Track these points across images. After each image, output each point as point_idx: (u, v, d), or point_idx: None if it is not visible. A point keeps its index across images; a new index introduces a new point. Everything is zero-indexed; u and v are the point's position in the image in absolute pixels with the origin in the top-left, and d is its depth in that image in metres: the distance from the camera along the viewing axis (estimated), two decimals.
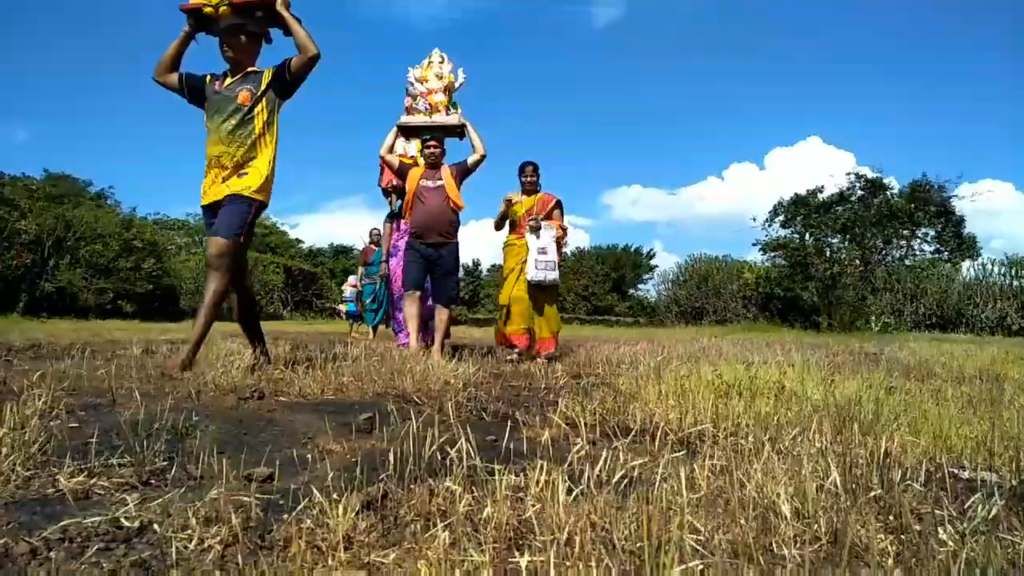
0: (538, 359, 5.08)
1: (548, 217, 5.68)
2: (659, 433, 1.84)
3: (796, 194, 21.83)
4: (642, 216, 76.84)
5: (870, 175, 21.92)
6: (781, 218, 22.07)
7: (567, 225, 5.87)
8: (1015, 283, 18.40)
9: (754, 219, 25.81)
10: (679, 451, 1.52)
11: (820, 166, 61.64)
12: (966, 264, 20.59)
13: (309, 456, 1.55)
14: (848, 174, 22.14)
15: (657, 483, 1.20)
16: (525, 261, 5.54)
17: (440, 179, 5.32)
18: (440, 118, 5.82)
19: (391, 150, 5.65)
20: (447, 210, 5.27)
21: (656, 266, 42.20)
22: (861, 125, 69.79)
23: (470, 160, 5.41)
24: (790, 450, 1.59)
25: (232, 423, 1.99)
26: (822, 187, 21.81)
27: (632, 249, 43.64)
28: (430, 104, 5.91)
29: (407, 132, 5.94)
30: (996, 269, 18.95)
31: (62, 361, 3.30)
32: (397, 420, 1.95)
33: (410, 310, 5.41)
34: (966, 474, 1.59)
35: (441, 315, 5.26)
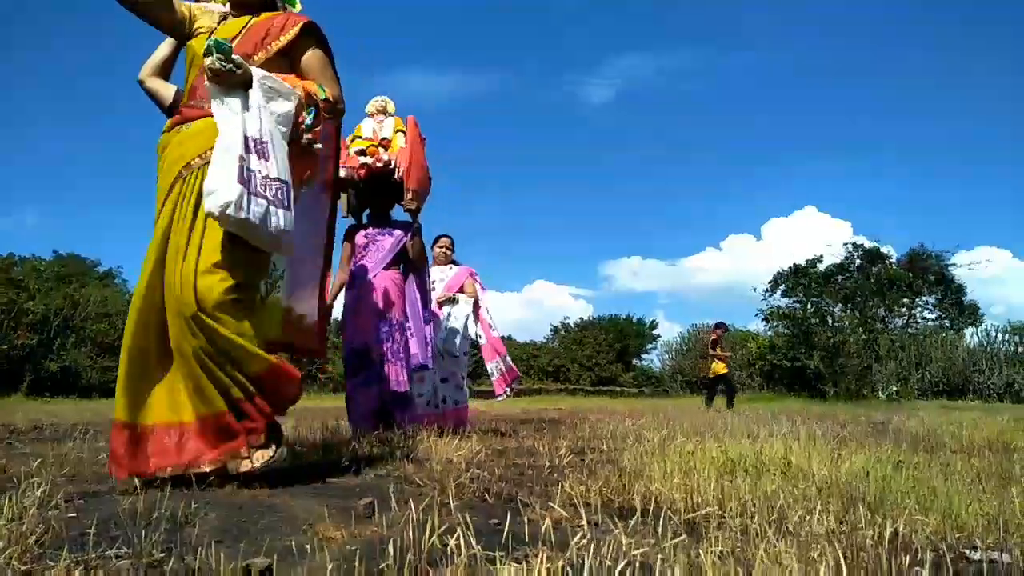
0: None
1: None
2: (663, 515, 1.81)
3: (796, 264, 22.07)
4: (643, 286, 77.16)
5: (867, 244, 22.21)
6: (782, 287, 22.23)
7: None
8: (1020, 349, 18.34)
9: (755, 289, 26.02)
10: (684, 534, 1.50)
11: (817, 235, 62.27)
12: (969, 331, 20.60)
13: (308, 545, 1.53)
14: (845, 244, 22.44)
15: (660, 571, 1.18)
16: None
17: None
18: None
19: (159, 70, 2.85)
20: None
21: (659, 336, 42.15)
22: (856, 193, 70.83)
23: None
24: (797, 532, 1.57)
25: (232, 510, 1.97)
26: (821, 257, 22.07)
27: (635, 319, 43.65)
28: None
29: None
30: (1000, 336, 18.93)
31: (63, 443, 3.28)
32: (397, 505, 1.93)
33: None
34: (977, 555, 1.56)
35: None
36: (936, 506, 1.97)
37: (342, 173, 4.06)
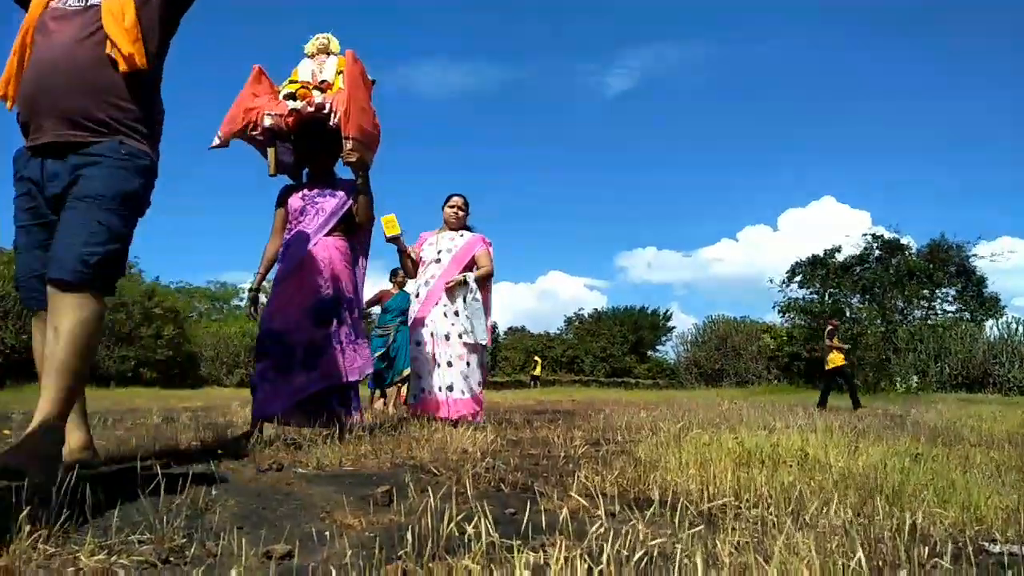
0: None
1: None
2: (680, 505, 1.81)
3: (813, 255, 21.85)
4: (658, 278, 77.05)
5: (887, 235, 21.93)
6: (799, 279, 22.04)
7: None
8: None
9: (771, 280, 25.81)
10: (701, 525, 1.50)
11: (835, 226, 61.75)
12: (989, 323, 20.32)
13: (327, 533, 1.55)
14: (865, 235, 22.18)
15: (678, 561, 1.18)
16: None
17: None
18: None
19: None
20: (97, 62, 2.06)
21: (674, 327, 42.06)
22: (875, 183, 70.01)
23: None
24: (814, 524, 1.57)
25: (251, 496, 1.99)
26: (839, 247, 21.84)
27: (650, 311, 43.56)
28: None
29: None
30: (1020, 328, 18.66)
31: None
32: (415, 493, 1.95)
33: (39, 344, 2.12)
34: (996, 548, 1.54)
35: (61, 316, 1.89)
36: (955, 499, 1.95)
37: (267, 122, 3.43)
